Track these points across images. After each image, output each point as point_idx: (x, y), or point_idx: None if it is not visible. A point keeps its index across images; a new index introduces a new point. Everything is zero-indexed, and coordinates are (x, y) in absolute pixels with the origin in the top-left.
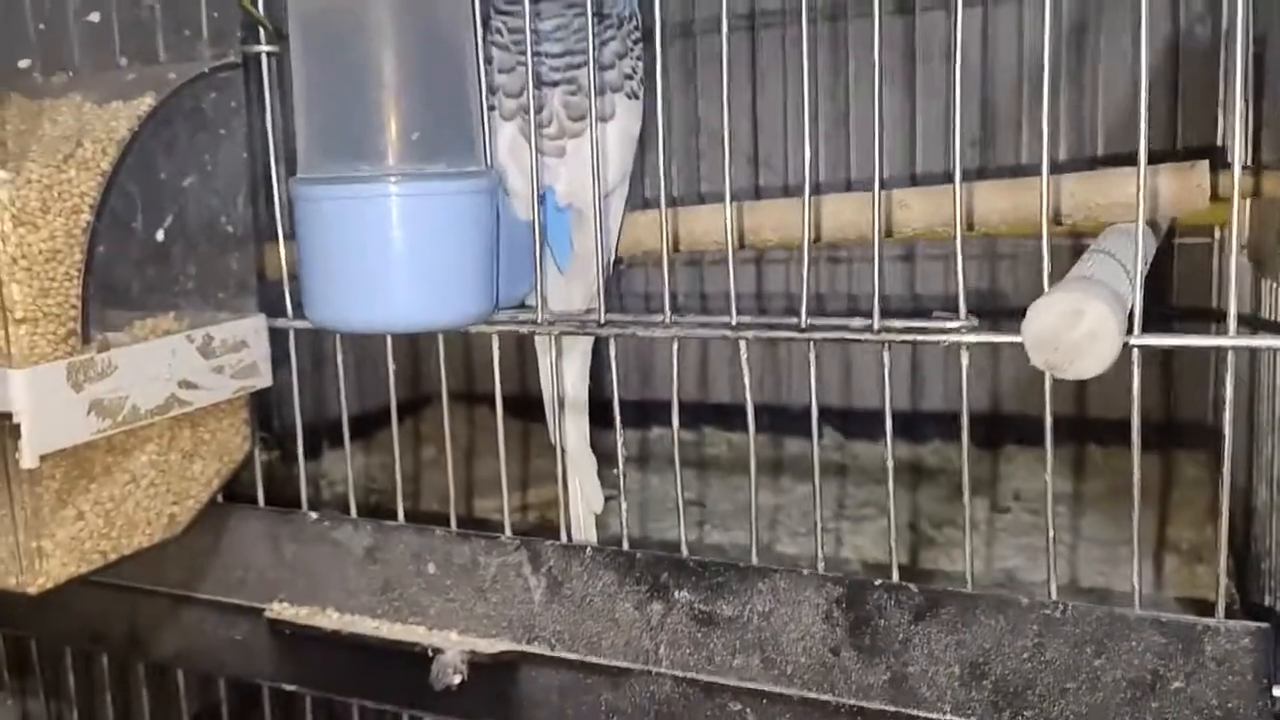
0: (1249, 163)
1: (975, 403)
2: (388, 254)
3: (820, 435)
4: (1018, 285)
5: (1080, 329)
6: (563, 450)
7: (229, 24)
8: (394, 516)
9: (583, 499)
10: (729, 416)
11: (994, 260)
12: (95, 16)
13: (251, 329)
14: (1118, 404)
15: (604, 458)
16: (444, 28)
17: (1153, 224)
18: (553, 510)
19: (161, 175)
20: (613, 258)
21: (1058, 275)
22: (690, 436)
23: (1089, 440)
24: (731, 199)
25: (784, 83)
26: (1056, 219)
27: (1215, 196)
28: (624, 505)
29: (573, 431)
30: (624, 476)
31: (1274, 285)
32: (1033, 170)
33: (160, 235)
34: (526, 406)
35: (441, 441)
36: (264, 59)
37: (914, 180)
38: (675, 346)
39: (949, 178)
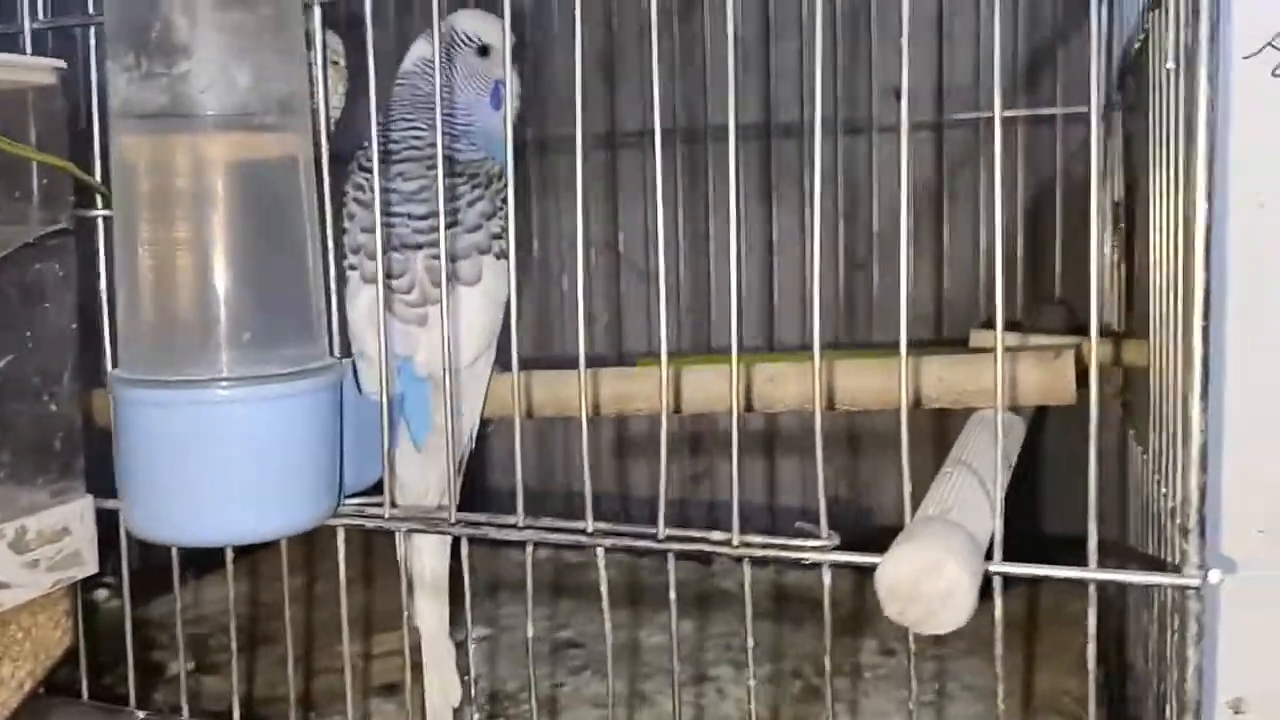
0: (1119, 326)
1: None
2: (217, 464)
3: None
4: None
5: (939, 584)
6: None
7: (61, 187)
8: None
9: (438, 691)
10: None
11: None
12: None
13: (76, 514)
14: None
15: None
16: (279, 208)
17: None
18: None
19: None
20: (475, 430)
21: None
22: (578, 559)
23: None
24: (587, 365)
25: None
26: (918, 403)
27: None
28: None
29: (430, 616)
30: (475, 683)
31: (1141, 453)
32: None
33: None
34: None
35: (333, 567)
36: (100, 224)
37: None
38: (529, 550)
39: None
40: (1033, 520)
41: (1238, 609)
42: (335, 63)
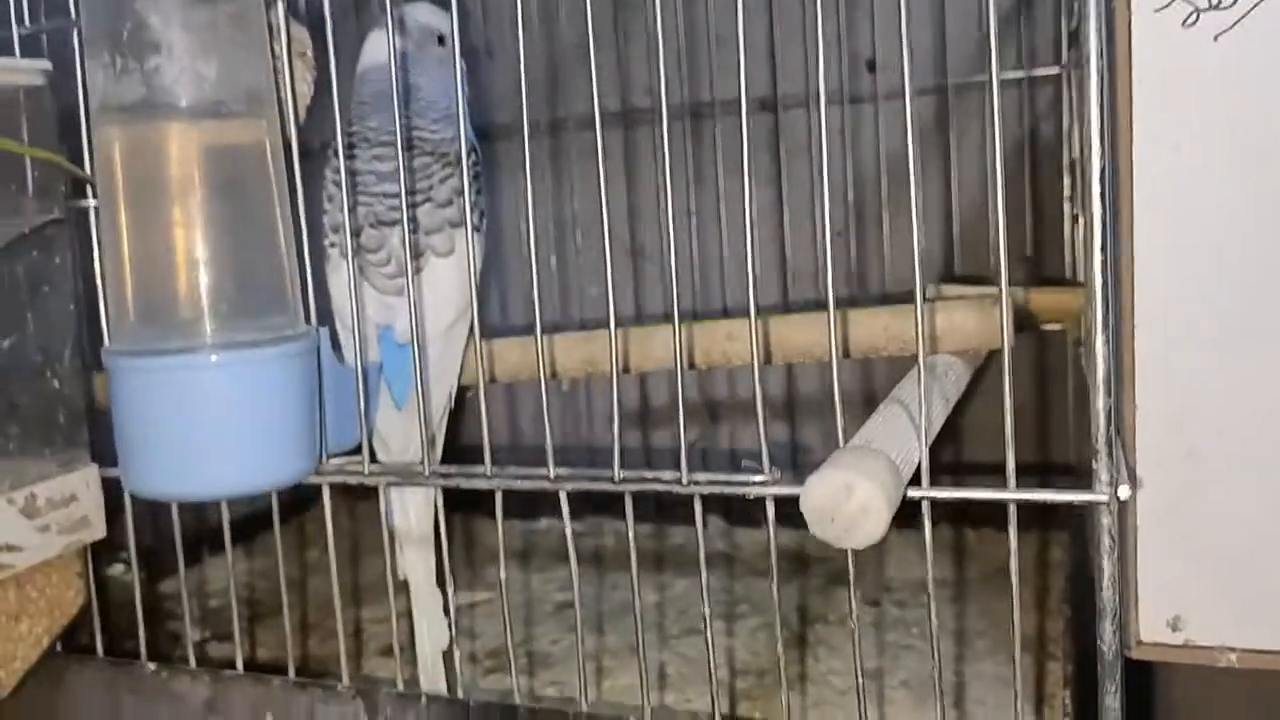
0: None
1: None
2: (202, 425)
3: (704, 525)
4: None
5: (852, 503)
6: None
7: (53, 179)
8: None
9: (429, 638)
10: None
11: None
12: None
13: (82, 482)
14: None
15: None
16: (250, 190)
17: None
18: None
19: None
20: (454, 390)
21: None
22: (579, 527)
23: (965, 524)
24: (548, 328)
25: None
26: (848, 352)
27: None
28: (457, 653)
29: (418, 568)
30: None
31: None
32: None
33: None
34: None
35: (325, 543)
36: (91, 214)
37: (785, 276)
38: (499, 498)
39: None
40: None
41: (1161, 528)
42: (302, 54)
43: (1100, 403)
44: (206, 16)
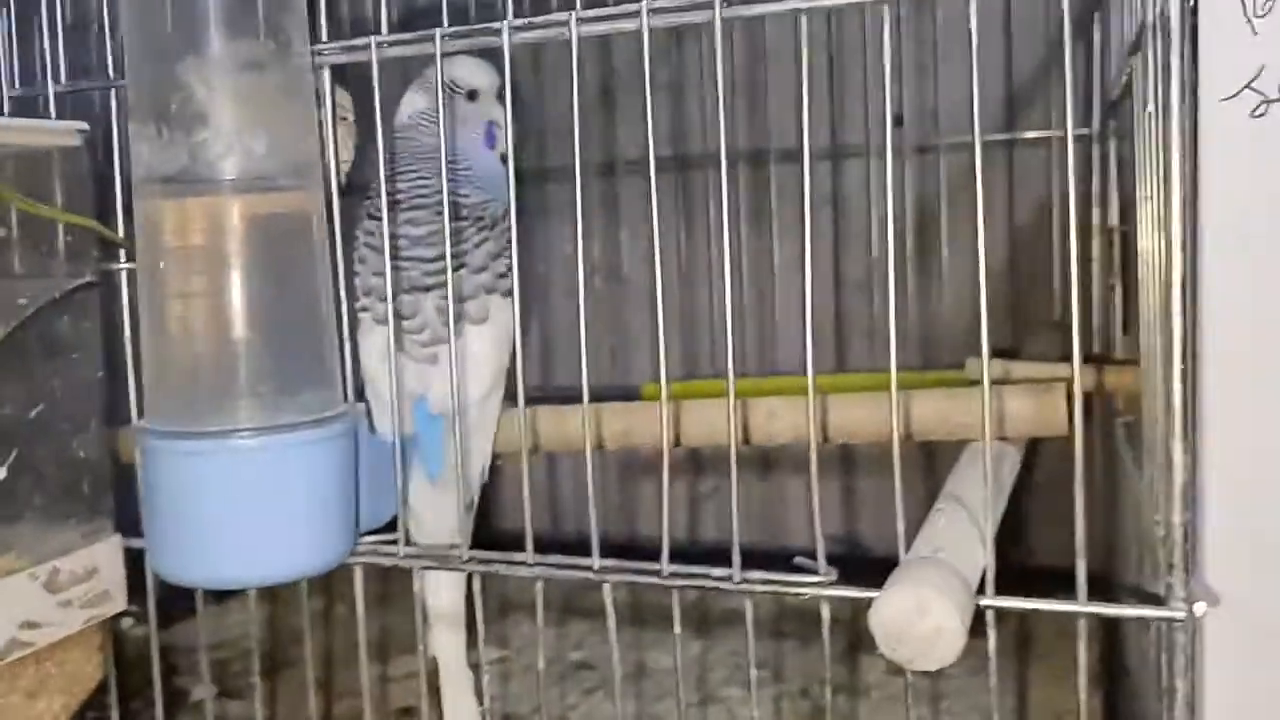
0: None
1: None
2: (238, 511)
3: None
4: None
5: (925, 623)
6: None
7: (86, 242)
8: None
9: (457, 718)
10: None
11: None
12: None
13: (105, 553)
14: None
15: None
16: (294, 263)
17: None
18: None
19: (4, 410)
20: (488, 463)
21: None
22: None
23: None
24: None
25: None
26: (910, 436)
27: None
28: None
29: (448, 648)
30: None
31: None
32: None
33: (1, 473)
34: None
35: (350, 590)
36: (123, 276)
37: (839, 324)
38: (540, 587)
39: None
40: (1026, 545)
41: (1228, 641)
42: (344, 118)
43: (1177, 516)
44: (254, 85)
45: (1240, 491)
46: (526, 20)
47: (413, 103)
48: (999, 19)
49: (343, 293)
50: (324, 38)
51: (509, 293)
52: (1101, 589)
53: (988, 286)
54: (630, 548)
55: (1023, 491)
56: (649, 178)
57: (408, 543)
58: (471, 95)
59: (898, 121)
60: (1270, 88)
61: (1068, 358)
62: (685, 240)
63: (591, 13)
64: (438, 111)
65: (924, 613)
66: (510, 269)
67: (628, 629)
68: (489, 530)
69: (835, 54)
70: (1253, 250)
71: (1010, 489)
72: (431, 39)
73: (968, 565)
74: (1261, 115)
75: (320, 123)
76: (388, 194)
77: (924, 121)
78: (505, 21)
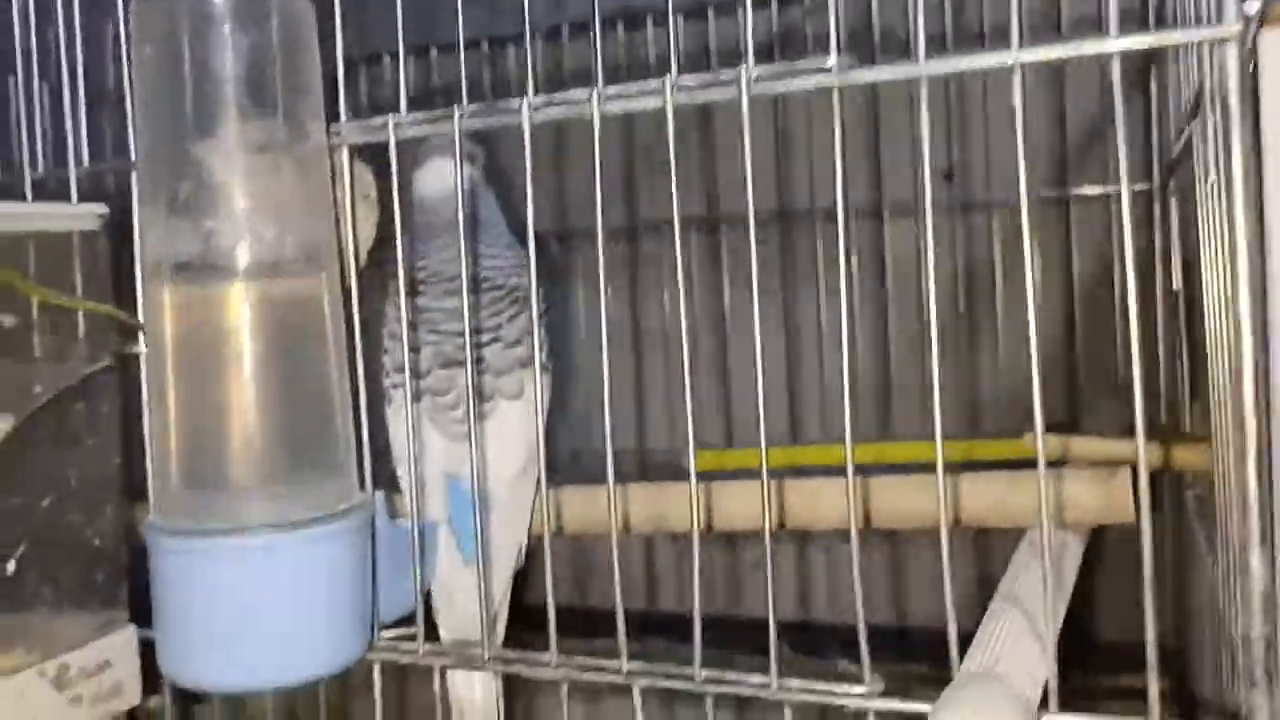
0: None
1: None
2: (250, 613)
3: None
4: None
5: None
6: None
7: (104, 326)
8: None
9: None
10: (676, 627)
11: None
12: None
13: (118, 645)
14: None
15: None
16: (306, 350)
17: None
18: None
19: (15, 501)
20: (524, 545)
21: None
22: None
23: None
24: (616, 480)
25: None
26: (958, 520)
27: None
28: None
29: None
30: None
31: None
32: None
33: (10, 567)
34: None
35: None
36: (142, 359)
37: (888, 390)
38: (564, 690)
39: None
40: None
41: None
42: (366, 195)
43: (1257, 629)
44: (270, 167)
45: None
46: (546, 98)
47: (429, 180)
48: (1051, 70)
49: (361, 375)
50: (342, 116)
51: (545, 367)
52: (1175, 671)
53: (1043, 350)
54: (656, 615)
55: (1086, 565)
56: (675, 241)
57: (430, 634)
58: (471, 159)
59: (947, 177)
60: None
61: (1131, 430)
62: (713, 304)
63: (614, 89)
64: (456, 188)
65: None
66: (544, 342)
67: (660, 708)
68: (518, 602)
69: (880, 109)
70: None
71: (1073, 583)
72: (450, 117)
73: (1027, 679)
74: None
75: (337, 202)
76: (420, 269)
77: (972, 178)
78: (525, 99)
